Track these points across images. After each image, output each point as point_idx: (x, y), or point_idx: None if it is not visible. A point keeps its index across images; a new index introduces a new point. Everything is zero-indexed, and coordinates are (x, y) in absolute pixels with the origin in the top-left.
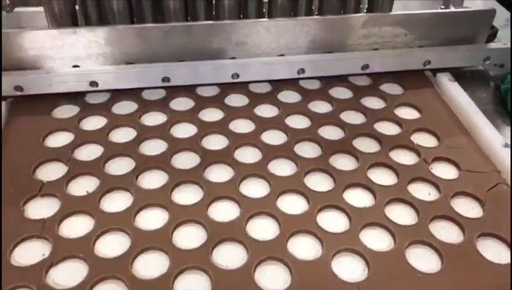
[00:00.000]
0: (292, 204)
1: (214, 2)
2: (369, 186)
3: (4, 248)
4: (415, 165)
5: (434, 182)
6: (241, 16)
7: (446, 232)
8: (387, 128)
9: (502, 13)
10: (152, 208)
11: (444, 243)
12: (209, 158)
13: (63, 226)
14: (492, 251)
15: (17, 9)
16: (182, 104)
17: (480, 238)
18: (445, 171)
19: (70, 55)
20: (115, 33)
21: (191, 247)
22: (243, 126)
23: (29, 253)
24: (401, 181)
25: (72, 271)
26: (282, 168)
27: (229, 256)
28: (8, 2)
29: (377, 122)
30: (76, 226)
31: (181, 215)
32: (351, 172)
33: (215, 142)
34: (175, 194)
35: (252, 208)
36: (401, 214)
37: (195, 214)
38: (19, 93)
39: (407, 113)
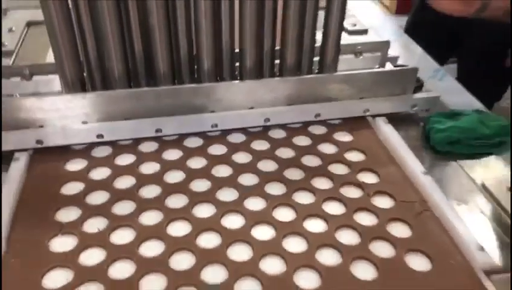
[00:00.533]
0: (263, 232)
1: (195, 67)
2: (324, 216)
3: (36, 275)
4: (359, 198)
5: (374, 211)
6: (218, 78)
7: (383, 250)
8: (338, 169)
9: (431, 65)
10: (151, 240)
11: (380, 258)
12: (196, 198)
13: (81, 257)
14: (418, 262)
15: (35, 77)
16: (172, 154)
17: (408, 253)
18: (383, 202)
19: (81, 114)
20: (116, 95)
21: (184, 269)
22: (223, 171)
23: (56, 279)
24: (348, 211)
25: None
26: (255, 203)
27: (214, 273)
28: (27, 72)
29: (330, 164)
30: (91, 257)
31: (175, 245)
32: (309, 205)
33: (200, 185)
34: (169, 228)
35: (231, 237)
36: (347, 237)
37: (186, 243)
38: (39, 146)
39: (354, 156)
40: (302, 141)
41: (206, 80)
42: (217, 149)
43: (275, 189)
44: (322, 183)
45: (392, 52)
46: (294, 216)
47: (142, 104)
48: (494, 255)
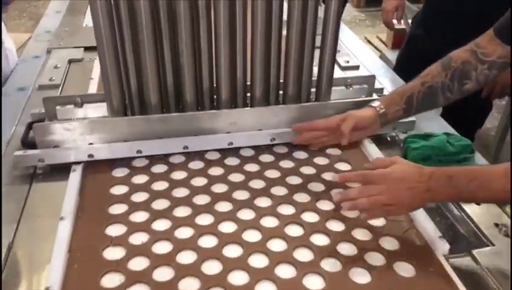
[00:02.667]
0: (269, 221)
1: (215, 97)
2: (317, 211)
3: (97, 277)
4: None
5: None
6: (233, 106)
7: (376, 259)
8: (329, 176)
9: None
10: (186, 250)
11: (373, 266)
12: (216, 198)
13: (129, 264)
14: (404, 267)
15: (85, 105)
16: (196, 165)
17: (397, 262)
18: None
19: (125, 133)
20: (151, 119)
21: (213, 273)
22: (237, 177)
23: (110, 280)
24: (336, 208)
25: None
26: (263, 201)
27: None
28: (79, 100)
29: (323, 172)
30: (138, 263)
31: (205, 254)
32: (307, 203)
33: (220, 187)
34: (200, 240)
35: (251, 248)
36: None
37: (213, 253)
38: (90, 159)
39: (342, 166)
40: (300, 155)
41: (223, 107)
42: (232, 161)
43: (279, 191)
44: (316, 187)
45: (378, 84)
46: (293, 211)
47: (172, 126)
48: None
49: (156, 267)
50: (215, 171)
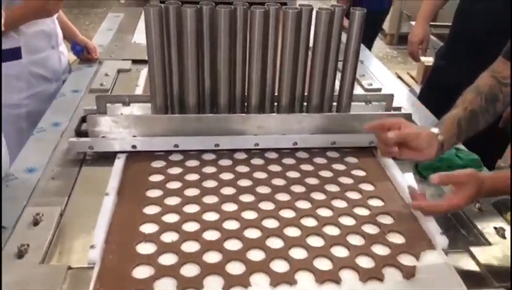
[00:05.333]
0: (287, 213)
1: (246, 103)
2: (331, 207)
3: (128, 269)
4: (358, 199)
5: (368, 206)
6: (261, 111)
7: (382, 250)
8: (345, 180)
9: (430, 118)
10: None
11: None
12: (241, 191)
13: (159, 259)
14: (407, 259)
15: (132, 105)
16: (225, 162)
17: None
18: (375, 202)
19: (164, 129)
20: (188, 118)
21: (237, 273)
22: (261, 175)
23: (141, 272)
24: (349, 206)
25: (166, 282)
26: (283, 196)
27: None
28: (127, 100)
29: (339, 177)
30: (167, 259)
31: (229, 255)
32: (322, 200)
33: (244, 182)
34: (226, 243)
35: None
36: (356, 238)
37: (237, 255)
38: (133, 149)
39: (358, 172)
40: (320, 160)
41: (252, 112)
42: (257, 161)
43: (298, 189)
44: (332, 188)
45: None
46: (310, 206)
47: (206, 125)
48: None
49: (184, 264)
50: (242, 169)
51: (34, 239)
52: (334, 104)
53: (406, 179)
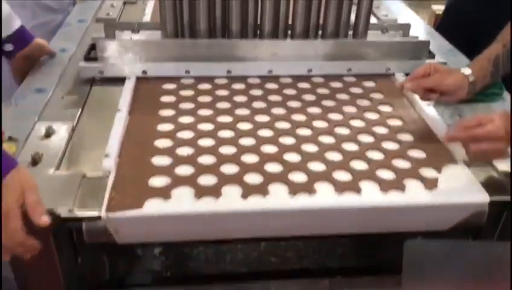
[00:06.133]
0: (304, 132)
1: (258, 31)
2: (350, 126)
3: (144, 178)
4: (377, 118)
5: (387, 126)
6: (275, 37)
7: (403, 164)
8: (363, 102)
9: (447, 46)
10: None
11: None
12: (256, 112)
13: (176, 170)
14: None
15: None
16: (238, 86)
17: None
18: (394, 122)
19: (175, 54)
20: (199, 43)
21: (255, 183)
22: (275, 98)
23: (158, 181)
24: (368, 125)
25: (184, 190)
26: (299, 117)
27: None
28: (136, 26)
29: (357, 99)
30: (183, 170)
31: (246, 168)
32: (340, 120)
33: (259, 104)
34: (243, 157)
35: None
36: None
37: (255, 168)
38: (143, 75)
39: (375, 95)
40: (336, 84)
41: (265, 38)
42: (271, 85)
43: (314, 110)
44: (350, 109)
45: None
46: (327, 125)
47: (218, 51)
48: None
49: (200, 174)
50: (256, 92)
51: (48, 149)
52: (350, 32)
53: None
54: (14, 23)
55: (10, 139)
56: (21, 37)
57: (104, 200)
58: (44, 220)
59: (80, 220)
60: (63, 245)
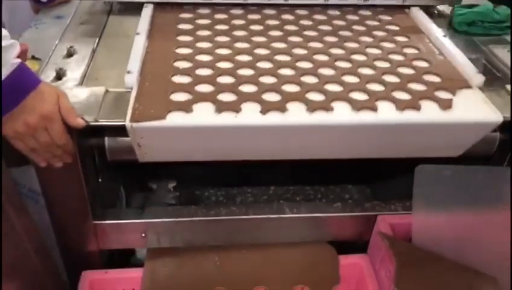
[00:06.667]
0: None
1: None
2: (366, 54)
3: (166, 93)
4: (393, 47)
5: (403, 53)
6: None
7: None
8: (379, 33)
9: None
10: (249, 84)
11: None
12: (272, 39)
13: (196, 87)
14: (443, 94)
15: None
16: (254, 16)
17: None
18: (410, 50)
19: None
20: None
21: (272, 100)
22: (292, 28)
23: (179, 97)
24: (384, 53)
25: (205, 105)
26: (316, 44)
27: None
28: None
29: (374, 30)
30: (204, 88)
31: (264, 88)
32: (357, 48)
33: (275, 33)
34: (261, 78)
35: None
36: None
37: (272, 87)
38: (160, 0)
39: (391, 27)
40: (352, 17)
41: None
42: (287, 16)
43: (331, 39)
44: (366, 39)
45: None
46: (343, 52)
47: None
48: None
49: (220, 93)
50: (272, 22)
51: (70, 66)
52: None
53: (441, 32)
54: None
55: (33, 58)
56: None
57: (128, 111)
58: (81, 122)
59: (105, 130)
60: (87, 163)
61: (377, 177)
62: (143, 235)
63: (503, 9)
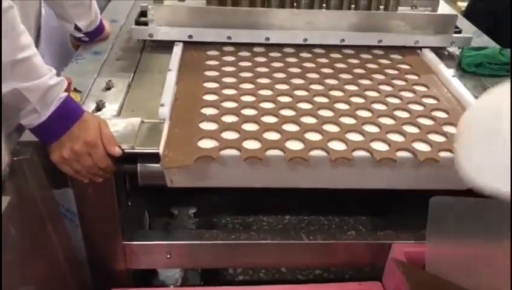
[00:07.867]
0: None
1: (295, 3)
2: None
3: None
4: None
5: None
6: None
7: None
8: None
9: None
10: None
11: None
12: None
13: (222, 134)
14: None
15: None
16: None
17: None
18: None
19: (218, 22)
20: (239, 11)
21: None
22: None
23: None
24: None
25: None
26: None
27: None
28: None
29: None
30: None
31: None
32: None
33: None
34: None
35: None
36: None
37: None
38: (189, 39)
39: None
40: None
41: (301, 7)
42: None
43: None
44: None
45: None
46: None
47: (257, 18)
48: None
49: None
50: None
51: (109, 98)
52: (381, 7)
53: (450, 73)
54: (97, 20)
55: (75, 90)
56: (98, 28)
57: (161, 143)
58: (118, 150)
59: (138, 156)
60: (120, 187)
61: (390, 207)
62: (168, 256)
63: (509, 52)
